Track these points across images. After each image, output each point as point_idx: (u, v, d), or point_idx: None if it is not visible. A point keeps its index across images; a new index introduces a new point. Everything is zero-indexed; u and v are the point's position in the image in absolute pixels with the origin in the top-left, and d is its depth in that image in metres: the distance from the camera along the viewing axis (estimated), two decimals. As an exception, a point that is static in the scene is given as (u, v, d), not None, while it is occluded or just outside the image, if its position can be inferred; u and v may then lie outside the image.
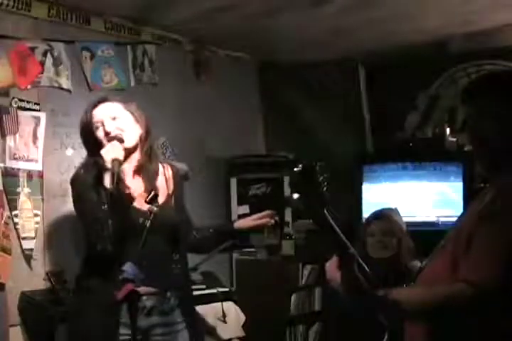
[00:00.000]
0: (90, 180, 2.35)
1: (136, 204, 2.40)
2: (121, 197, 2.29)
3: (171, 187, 2.54)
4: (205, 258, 2.74)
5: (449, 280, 1.58)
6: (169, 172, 2.58)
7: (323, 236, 1.68)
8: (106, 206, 2.26)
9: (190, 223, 2.68)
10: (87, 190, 2.35)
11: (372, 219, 3.33)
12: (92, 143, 2.45)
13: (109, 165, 2.28)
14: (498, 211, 1.57)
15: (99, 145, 2.41)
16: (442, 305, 1.56)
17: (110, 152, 2.32)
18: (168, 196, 2.51)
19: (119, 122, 2.43)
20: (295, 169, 1.69)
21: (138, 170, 2.47)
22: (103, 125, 2.41)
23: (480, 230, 1.56)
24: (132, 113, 2.47)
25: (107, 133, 2.40)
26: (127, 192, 2.38)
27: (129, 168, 2.46)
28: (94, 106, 2.46)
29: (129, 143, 2.43)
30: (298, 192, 1.67)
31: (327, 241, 1.67)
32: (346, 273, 1.65)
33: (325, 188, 1.66)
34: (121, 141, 2.39)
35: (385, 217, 3.29)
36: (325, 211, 1.65)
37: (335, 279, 1.71)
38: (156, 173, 2.52)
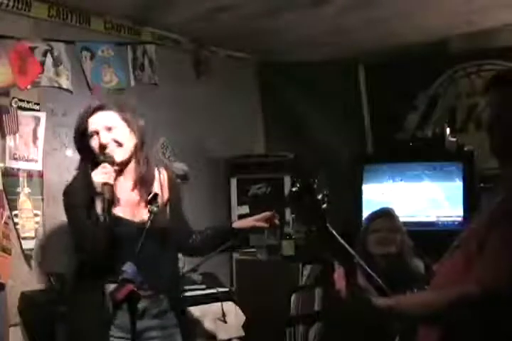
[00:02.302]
0: (81, 198, 2.33)
1: (129, 216, 2.40)
2: (111, 221, 2.27)
3: (166, 193, 2.52)
4: (204, 259, 2.74)
5: (463, 283, 1.56)
6: (164, 178, 2.54)
7: (327, 246, 1.67)
8: (96, 228, 2.24)
9: (188, 227, 2.66)
10: (78, 209, 2.33)
11: (376, 215, 3.34)
12: (85, 151, 2.42)
13: (99, 189, 2.26)
14: (510, 211, 1.56)
15: (92, 154, 2.39)
16: (453, 308, 1.54)
17: (100, 175, 2.29)
18: (163, 202, 2.48)
19: (115, 133, 2.39)
20: (292, 189, 1.68)
21: (135, 183, 2.45)
22: (98, 135, 2.38)
23: (493, 231, 1.55)
24: (128, 122, 2.43)
25: (101, 145, 2.36)
26: (119, 209, 2.37)
27: (126, 179, 2.44)
28: (91, 113, 2.41)
29: (123, 156, 2.40)
30: (297, 212, 1.67)
31: (330, 249, 1.66)
32: (351, 282, 1.65)
33: (325, 204, 1.64)
34: (112, 163, 2.34)
35: (388, 214, 3.31)
36: (327, 225, 1.64)
37: (343, 288, 1.71)
38: (152, 182, 2.49)
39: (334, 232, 1.65)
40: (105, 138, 2.37)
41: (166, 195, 2.51)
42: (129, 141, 2.42)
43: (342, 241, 1.65)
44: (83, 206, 2.31)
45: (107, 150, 2.37)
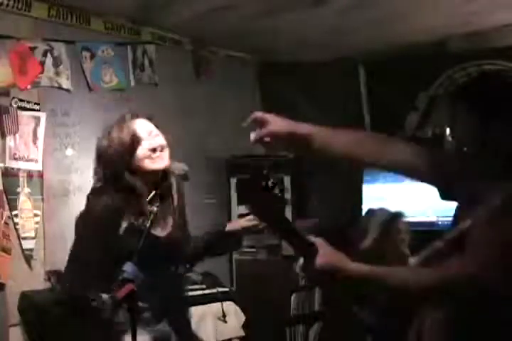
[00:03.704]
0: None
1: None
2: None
3: (176, 200, 2.50)
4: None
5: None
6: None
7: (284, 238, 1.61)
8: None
9: (189, 236, 2.64)
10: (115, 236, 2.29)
11: (396, 216, 3.31)
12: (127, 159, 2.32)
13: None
14: (499, 212, 1.57)
15: (136, 161, 2.33)
16: (434, 286, 1.54)
17: None
18: (173, 210, 2.46)
19: (160, 139, 2.37)
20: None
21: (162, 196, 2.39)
22: (148, 139, 2.34)
23: (480, 229, 1.56)
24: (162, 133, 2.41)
25: (154, 149, 2.33)
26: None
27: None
28: (131, 120, 2.37)
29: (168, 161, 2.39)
30: (248, 202, 1.60)
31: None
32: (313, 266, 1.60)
33: (277, 192, 1.61)
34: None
35: (403, 216, 3.29)
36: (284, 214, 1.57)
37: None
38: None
39: (292, 224, 1.59)
40: (153, 142, 2.34)
41: (175, 204, 2.50)
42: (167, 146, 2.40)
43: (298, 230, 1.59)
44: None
45: (156, 154, 2.34)
